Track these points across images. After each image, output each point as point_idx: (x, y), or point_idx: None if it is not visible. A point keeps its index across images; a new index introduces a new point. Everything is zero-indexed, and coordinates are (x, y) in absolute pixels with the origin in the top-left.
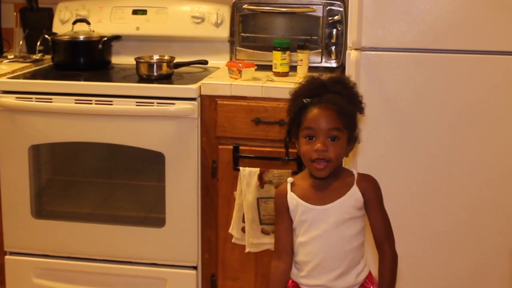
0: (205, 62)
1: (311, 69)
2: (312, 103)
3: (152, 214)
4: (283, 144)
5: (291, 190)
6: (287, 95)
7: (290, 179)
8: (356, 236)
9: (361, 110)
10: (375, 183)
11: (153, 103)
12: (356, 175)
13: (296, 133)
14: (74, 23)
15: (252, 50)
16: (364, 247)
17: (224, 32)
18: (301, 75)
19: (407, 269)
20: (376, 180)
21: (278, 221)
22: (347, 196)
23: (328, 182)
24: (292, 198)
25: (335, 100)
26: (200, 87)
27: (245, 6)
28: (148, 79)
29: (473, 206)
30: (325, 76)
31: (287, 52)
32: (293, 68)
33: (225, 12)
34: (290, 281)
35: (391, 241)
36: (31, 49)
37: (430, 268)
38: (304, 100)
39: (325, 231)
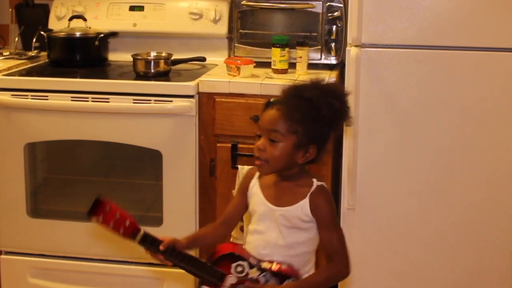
0: (203, 59)
1: (310, 66)
2: (273, 102)
3: (149, 213)
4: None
5: (258, 177)
6: None
7: None
8: (296, 245)
9: (331, 125)
10: (325, 202)
11: (150, 100)
12: (314, 188)
13: None
14: (70, 19)
15: (250, 47)
16: (310, 259)
17: (222, 28)
18: (300, 72)
19: (408, 269)
20: (330, 198)
21: (236, 196)
22: (295, 206)
23: (288, 185)
24: (254, 185)
25: (290, 104)
26: (198, 84)
27: (244, 2)
28: (145, 76)
29: (474, 205)
30: (318, 80)
31: (286, 49)
32: (292, 65)
33: (223, 8)
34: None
35: (337, 262)
36: (26, 46)
37: (431, 268)
38: (270, 99)
39: (266, 230)
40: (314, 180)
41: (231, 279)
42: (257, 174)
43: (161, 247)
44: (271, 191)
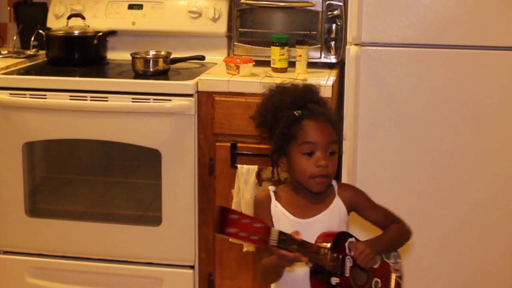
0: (202, 58)
1: (310, 64)
2: (304, 116)
3: (148, 213)
4: (271, 162)
5: (276, 199)
6: None
7: (272, 188)
8: None
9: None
10: (356, 189)
11: (149, 99)
12: (336, 187)
13: (287, 148)
14: (69, 18)
15: (250, 46)
16: None
17: (221, 27)
18: (299, 71)
19: (408, 268)
20: (356, 187)
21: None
22: (331, 208)
23: (309, 195)
24: (276, 207)
25: (326, 112)
26: (197, 83)
27: (243, 0)
28: (144, 75)
29: (474, 204)
30: (292, 84)
31: (286, 48)
32: (292, 64)
33: (223, 6)
34: None
35: (400, 222)
36: (25, 45)
37: (431, 268)
38: (295, 112)
39: None
40: (333, 180)
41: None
42: (273, 196)
43: (297, 237)
44: (295, 207)
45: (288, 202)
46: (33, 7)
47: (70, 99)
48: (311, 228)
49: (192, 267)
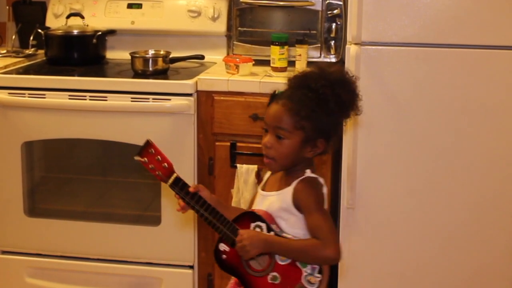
0: (202, 57)
1: (309, 64)
2: (279, 96)
3: (147, 212)
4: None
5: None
6: None
7: None
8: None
9: (340, 116)
10: (303, 190)
11: (148, 99)
12: (302, 177)
13: None
14: (68, 17)
15: (249, 45)
16: None
17: (221, 26)
18: (299, 70)
19: (408, 268)
20: (313, 185)
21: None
22: (281, 192)
23: (286, 175)
24: (266, 173)
25: (295, 98)
26: (196, 82)
27: None
28: (143, 75)
29: (474, 203)
30: (325, 68)
31: (285, 47)
32: (292, 63)
33: (222, 5)
34: None
35: (323, 240)
36: (24, 44)
37: (431, 267)
38: (275, 90)
39: None
40: (307, 171)
41: None
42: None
43: (190, 189)
44: (272, 180)
45: (274, 175)
46: (32, 6)
47: (69, 99)
48: (263, 201)
49: (191, 267)
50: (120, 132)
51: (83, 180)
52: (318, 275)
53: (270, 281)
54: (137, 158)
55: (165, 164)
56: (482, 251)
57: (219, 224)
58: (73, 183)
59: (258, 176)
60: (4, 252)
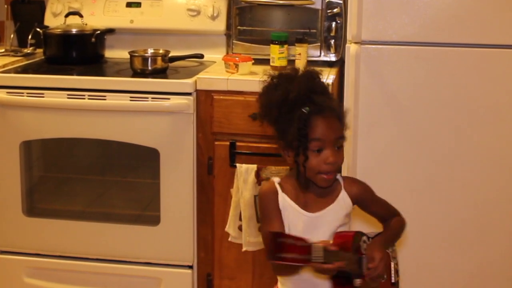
0: (201, 56)
1: (309, 63)
2: (312, 112)
3: (146, 212)
4: (295, 164)
5: (282, 191)
6: None
7: (277, 179)
8: None
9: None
10: (361, 185)
11: (147, 98)
12: (341, 180)
13: (302, 145)
14: (67, 16)
15: (249, 44)
16: None
17: (220, 25)
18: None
19: (408, 268)
20: (360, 181)
21: (271, 221)
22: (337, 202)
23: (316, 189)
24: (284, 200)
25: (331, 106)
26: (195, 81)
27: None
28: (142, 74)
29: (475, 203)
30: (295, 72)
31: (285, 46)
32: (291, 62)
33: (222, 4)
34: None
35: (399, 215)
36: (22, 43)
37: (431, 267)
38: (303, 110)
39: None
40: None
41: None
42: (279, 188)
43: (333, 248)
44: (301, 199)
45: (294, 195)
46: (30, 5)
47: (68, 98)
48: (320, 222)
49: (190, 267)
50: (119, 131)
51: (81, 179)
52: (394, 247)
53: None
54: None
55: (300, 243)
56: (483, 250)
57: (355, 266)
58: (71, 183)
59: (258, 176)
60: (2, 252)
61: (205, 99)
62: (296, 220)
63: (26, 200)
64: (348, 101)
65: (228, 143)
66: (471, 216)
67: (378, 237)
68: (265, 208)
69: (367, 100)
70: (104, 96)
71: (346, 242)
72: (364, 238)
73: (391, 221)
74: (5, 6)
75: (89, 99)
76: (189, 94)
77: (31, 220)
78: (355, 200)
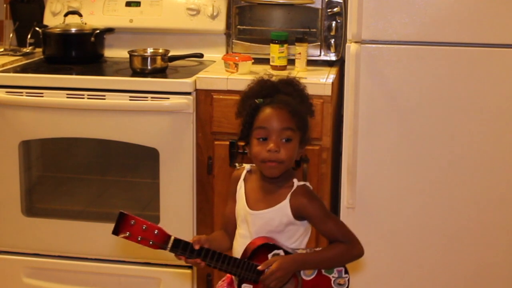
0: (201, 56)
1: (309, 62)
2: (264, 103)
3: (146, 212)
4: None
5: (244, 179)
6: None
7: (248, 167)
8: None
9: (311, 112)
10: (311, 199)
11: (147, 97)
12: (294, 188)
13: (248, 134)
14: (66, 15)
15: (249, 43)
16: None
17: (220, 24)
18: (299, 68)
19: (408, 268)
20: (312, 194)
21: (228, 202)
22: (276, 208)
23: (271, 187)
24: (240, 188)
25: (287, 101)
26: (195, 81)
27: None
28: (142, 73)
29: (475, 202)
30: (275, 77)
31: (285, 45)
32: (291, 62)
33: (221, 4)
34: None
35: (346, 243)
36: (21, 42)
37: (432, 267)
38: (256, 100)
39: (248, 235)
40: (295, 180)
41: None
42: (243, 177)
43: (195, 247)
44: (252, 192)
45: (251, 187)
46: (29, 4)
47: (67, 97)
48: (253, 220)
49: (190, 267)
50: (119, 131)
51: (81, 179)
52: (345, 275)
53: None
54: (120, 235)
55: (156, 230)
56: (483, 251)
57: (236, 269)
58: (71, 183)
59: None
60: (1, 252)
61: (204, 99)
62: (240, 209)
63: (25, 200)
64: (348, 101)
65: (227, 142)
66: (471, 215)
67: (293, 255)
68: (229, 190)
69: (367, 99)
70: (104, 96)
71: (246, 249)
72: (278, 251)
73: (333, 245)
74: (4, 5)
75: (88, 98)
76: (188, 93)
77: (30, 220)
78: (297, 213)
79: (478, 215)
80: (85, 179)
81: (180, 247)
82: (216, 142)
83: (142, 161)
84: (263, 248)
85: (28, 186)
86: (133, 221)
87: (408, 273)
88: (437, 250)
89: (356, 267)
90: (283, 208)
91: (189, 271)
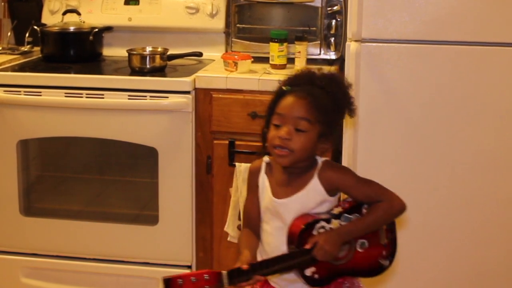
0: (200, 54)
1: (309, 61)
2: (290, 91)
3: (144, 212)
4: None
5: (266, 172)
6: None
7: (266, 159)
8: None
9: (350, 112)
10: (340, 170)
11: (146, 96)
12: (319, 166)
13: (269, 120)
14: (64, 13)
15: (248, 42)
16: None
17: (219, 23)
18: (299, 67)
19: (409, 267)
20: (339, 166)
21: (248, 196)
22: (306, 190)
23: (289, 173)
24: (263, 179)
25: (313, 92)
26: (194, 80)
27: None
28: (140, 72)
29: (476, 201)
30: (320, 70)
31: (285, 44)
32: (291, 60)
33: (221, 2)
34: None
35: (385, 201)
36: (19, 41)
37: (432, 266)
38: (283, 87)
39: (284, 226)
40: (317, 157)
41: None
42: (263, 169)
43: (244, 267)
44: (278, 183)
45: (276, 178)
46: (27, 2)
47: (65, 96)
48: (283, 209)
49: (189, 266)
50: (117, 130)
51: (79, 179)
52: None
53: (360, 250)
54: None
55: (205, 275)
56: (485, 249)
57: (292, 262)
58: (69, 182)
59: None
60: None
61: (204, 98)
62: (267, 202)
63: (23, 200)
64: None
65: (227, 142)
66: (471, 213)
67: (337, 228)
68: (247, 183)
69: (367, 98)
70: (102, 95)
71: (292, 235)
72: (322, 224)
73: (373, 208)
74: (2, 3)
75: (87, 97)
76: (187, 92)
77: (28, 219)
78: (330, 187)
79: (480, 213)
80: (83, 178)
81: (236, 275)
82: (215, 142)
83: (141, 160)
84: (304, 230)
85: (26, 186)
86: (180, 280)
87: (408, 272)
88: (438, 247)
89: None
90: (315, 187)
91: (188, 271)
